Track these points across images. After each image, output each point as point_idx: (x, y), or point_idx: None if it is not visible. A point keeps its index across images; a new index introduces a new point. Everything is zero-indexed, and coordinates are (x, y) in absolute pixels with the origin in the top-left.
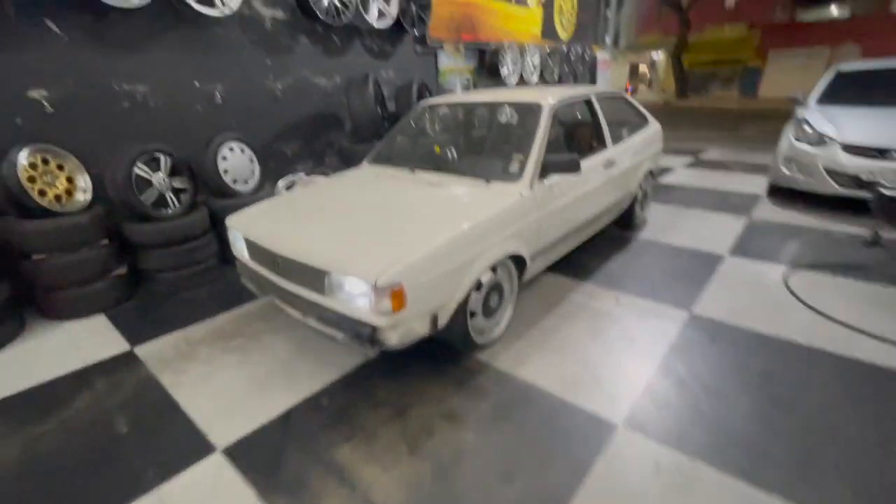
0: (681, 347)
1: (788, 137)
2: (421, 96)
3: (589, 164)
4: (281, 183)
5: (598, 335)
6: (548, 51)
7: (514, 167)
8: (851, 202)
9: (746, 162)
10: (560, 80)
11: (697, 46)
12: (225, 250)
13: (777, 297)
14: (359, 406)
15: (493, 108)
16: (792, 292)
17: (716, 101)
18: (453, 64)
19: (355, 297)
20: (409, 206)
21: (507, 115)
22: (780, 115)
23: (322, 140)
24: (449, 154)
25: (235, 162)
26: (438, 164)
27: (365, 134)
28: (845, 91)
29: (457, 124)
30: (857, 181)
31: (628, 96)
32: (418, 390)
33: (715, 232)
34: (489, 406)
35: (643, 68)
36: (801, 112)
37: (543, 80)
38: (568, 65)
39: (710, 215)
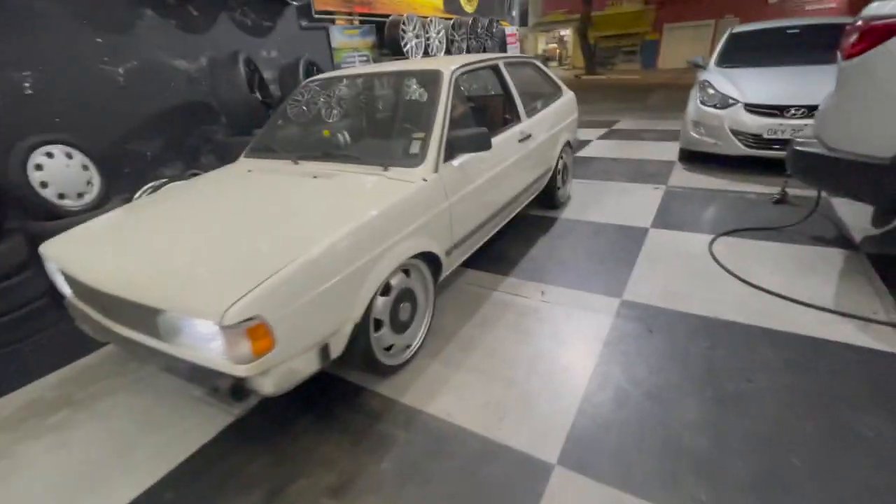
0: (616, 345)
1: (695, 101)
2: (310, 77)
3: (502, 138)
4: (140, 195)
5: (524, 341)
6: (451, 24)
7: (414, 148)
8: (758, 161)
9: (657, 129)
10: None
11: (601, 22)
12: (54, 288)
13: (706, 270)
14: (221, 493)
15: (388, 81)
16: (719, 263)
17: (621, 74)
18: (348, 40)
19: (202, 340)
20: (281, 208)
21: (403, 88)
22: (680, 84)
23: (194, 135)
24: (341, 138)
25: (58, 171)
26: (327, 152)
27: (242, 124)
28: (741, 52)
29: (348, 103)
30: (760, 140)
31: (539, 63)
32: (303, 454)
33: (636, 204)
34: (394, 464)
35: (552, 45)
36: (703, 75)
37: (450, 54)
38: (476, 38)
39: (630, 186)
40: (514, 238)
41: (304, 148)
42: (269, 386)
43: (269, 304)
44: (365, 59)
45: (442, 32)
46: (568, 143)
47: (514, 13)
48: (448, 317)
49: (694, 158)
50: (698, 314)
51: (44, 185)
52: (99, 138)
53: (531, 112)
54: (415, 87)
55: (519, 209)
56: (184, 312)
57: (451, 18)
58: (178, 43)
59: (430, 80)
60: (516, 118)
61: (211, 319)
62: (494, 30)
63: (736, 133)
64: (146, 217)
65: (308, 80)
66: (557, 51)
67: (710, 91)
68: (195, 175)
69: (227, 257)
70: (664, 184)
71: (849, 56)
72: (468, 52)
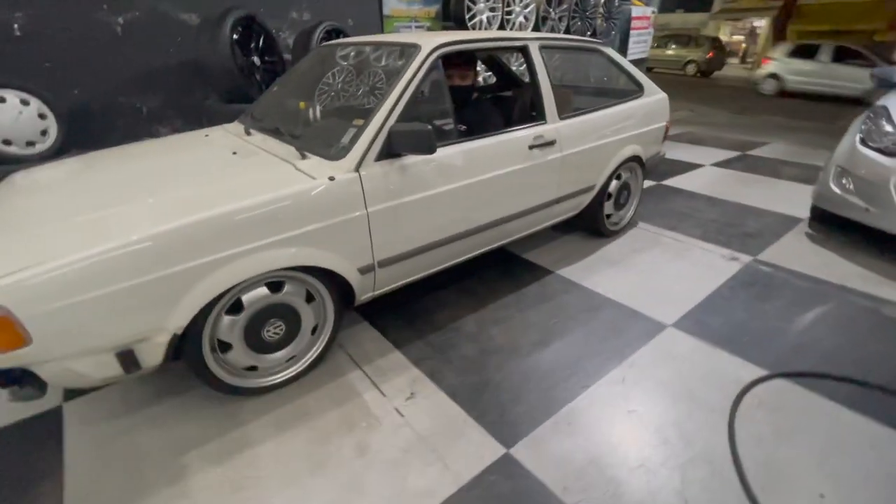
0: None
1: (853, 136)
2: None
3: (495, 141)
4: None
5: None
6: None
7: (346, 137)
8: None
9: (812, 164)
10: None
11: (813, 13)
12: None
13: (705, 445)
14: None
15: (373, 53)
16: (733, 438)
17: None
18: (406, 8)
19: None
20: (152, 184)
21: (373, 64)
22: None
23: (198, 95)
24: (310, 114)
25: (6, 117)
26: (279, 127)
27: (222, 90)
28: None
29: (329, 77)
30: None
31: (612, 52)
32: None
33: (684, 278)
34: None
35: (737, 38)
36: (885, 98)
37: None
38: (583, 19)
39: (698, 246)
40: (464, 289)
41: (269, 119)
42: (50, 379)
43: (18, 297)
44: (423, 29)
45: (532, 7)
46: (637, 159)
47: None
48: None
49: (832, 222)
50: None
51: None
52: (87, 88)
53: (568, 113)
54: (386, 62)
55: (532, 229)
56: None
57: None
58: None
59: (403, 55)
60: (539, 118)
61: None
62: (615, 10)
63: None
64: (69, 169)
65: (318, 46)
66: (742, 45)
67: (884, 125)
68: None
69: (37, 230)
70: (753, 254)
71: None
72: (568, 32)
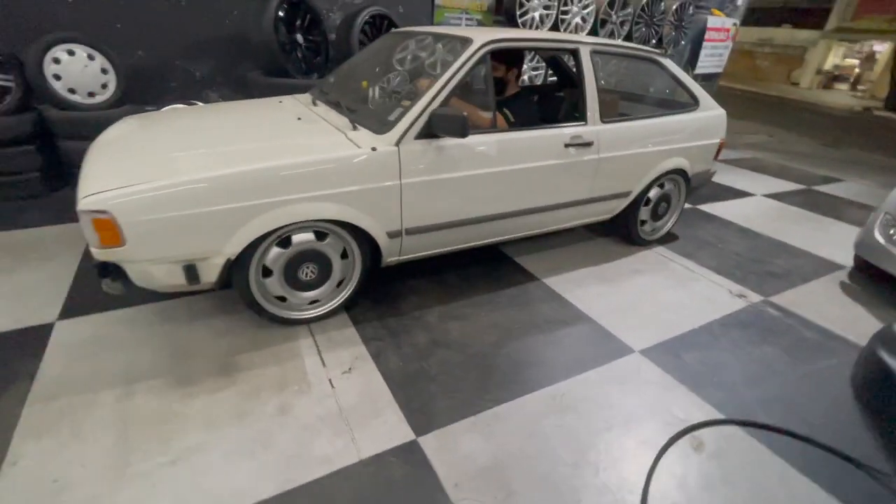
0: None
1: None
2: (381, 32)
3: (531, 135)
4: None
5: None
6: (609, 1)
7: (394, 115)
8: None
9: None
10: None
11: None
12: (51, 167)
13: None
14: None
15: (428, 41)
16: (646, 487)
17: None
18: None
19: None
20: (232, 136)
21: (433, 53)
22: None
23: (244, 66)
24: (370, 92)
25: (74, 69)
26: (342, 100)
27: (262, 64)
28: None
29: (392, 60)
30: None
31: (669, 62)
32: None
33: (679, 308)
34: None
35: (851, 62)
36: None
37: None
38: (648, 24)
39: (708, 279)
40: (441, 281)
41: (334, 93)
42: (133, 277)
43: (121, 206)
44: (473, 23)
45: (591, 8)
46: (681, 172)
47: (740, 1)
48: None
49: (880, 276)
50: None
51: (57, 77)
52: (149, 49)
53: (612, 117)
54: (442, 52)
55: (561, 225)
56: (79, 195)
57: None
58: None
59: (456, 47)
60: (581, 118)
61: (77, 203)
62: (687, 18)
63: None
64: (175, 117)
65: (389, 32)
66: (855, 71)
67: None
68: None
69: (141, 159)
70: (765, 295)
71: None
72: (629, 39)
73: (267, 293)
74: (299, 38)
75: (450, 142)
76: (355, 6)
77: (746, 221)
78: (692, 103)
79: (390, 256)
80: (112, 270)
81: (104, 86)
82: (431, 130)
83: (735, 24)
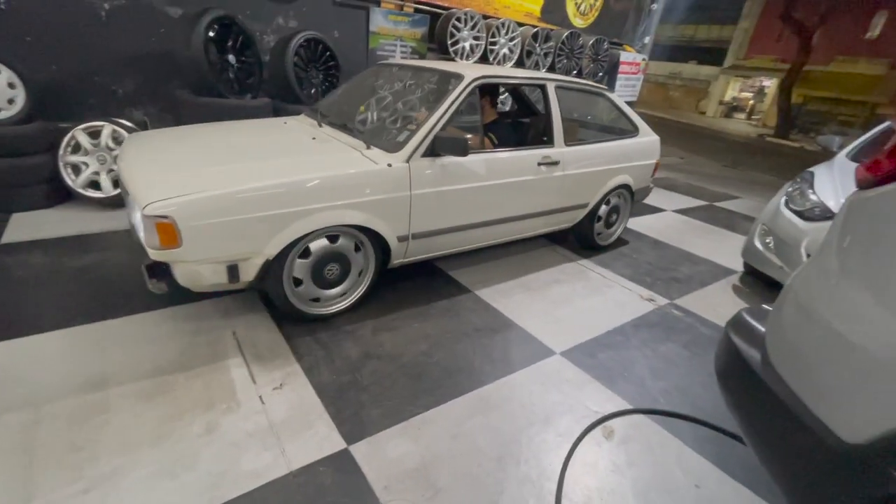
0: None
1: (780, 197)
2: (315, 55)
3: (514, 155)
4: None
5: None
6: (534, 33)
7: (402, 137)
8: None
9: None
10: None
11: (818, 79)
12: None
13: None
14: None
15: (420, 74)
16: (561, 480)
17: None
18: (392, 27)
19: (139, 224)
20: (262, 152)
21: (427, 84)
22: None
23: (172, 85)
24: (368, 116)
25: None
26: (345, 123)
27: (193, 83)
28: None
29: (388, 88)
30: None
31: (614, 96)
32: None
33: (594, 312)
34: None
35: (745, 95)
36: (818, 165)
37: (522, 66)
38: (570, 57)
39: (621, 285)
40: (375, 295)
41: (335, 116)
42: (179, 277)
43: (181, 211)
44: (407, 50)
45: (517, 40)
46: (626, 188)
47: (647, 39)
48: None
49: (762, 278)
50: None
51: None
52: (65, 65)
53: (573, 141)
54: (434, 84)
55: (533, 232)
56: (135, 199)
57: (541, 27)
58: None
59: (448, 81)
60: (549, 142)
61: (140, 209)
62: (602, 52)
63: None
64: (188, 134)
65: (381, 63)
66: (750, 102)
67: (806, 189)
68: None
69: (189, 171)
70: (671, 298)
71: (871, 182)
72: (552, 69)
73: (303, 298)
74: (231, 58)
75: (450, 160)
76: (290, 30)
77: (658, 234)
78: (633, 130)
79: (397, 258)
80: (158, 272)
81: (11, 101)
82: (435, 150)
83: (644, 59)
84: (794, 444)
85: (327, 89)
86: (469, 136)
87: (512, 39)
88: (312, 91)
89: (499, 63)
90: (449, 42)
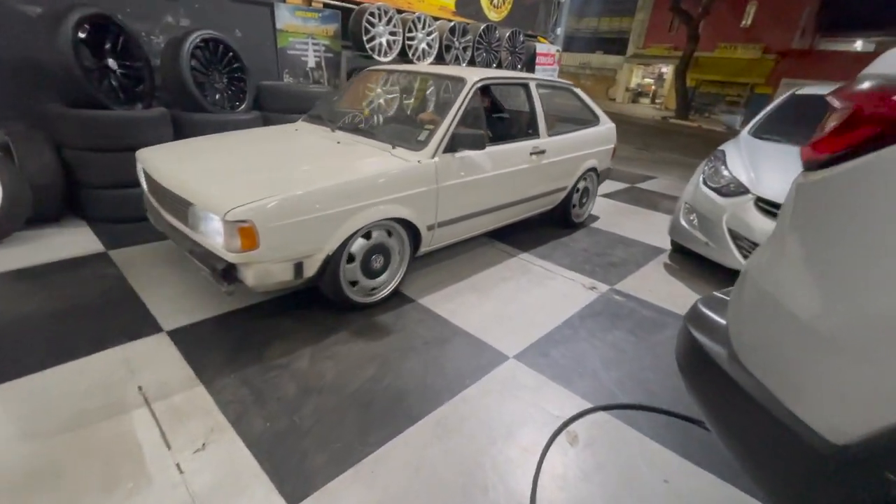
0: None
1: (698, 176)
2: (216, 57)
3: (512, 147)
4: None
5: None
6: (451, 27)
7: (422, 136)
8: None
9: None
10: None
11: (706, 64)
12: None
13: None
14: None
15: (422, 79)
16: (536, 479)
17: (717, 125)
18: (301, 24)
19: (211, 231)
20: (302, 156)
21: (430, 87)
22: None
23: (40, 97)
24: (374, 119)
25: None
26: (359, 127)
27: (65, 93)
28: (793, 125)
29: (388, 92)
30: None
31: (580, 91)
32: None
33: (540, 307)
34: None
35: (648, 81)
36: (727, 144)
37: (443, 63)
38: (489, 51)
39: (561, 275)
40: (309, 317)
41: (343, 121)
42: (250, 278)
43: (260, 215)
44: (321, 49)
45: (435, 35)
46: (594, 170)
47: (559, 31)
48: None
49: (689, 254)
50: None
51: None
52: None
53: (554, 132)
54: (440, 87)
55: (522, 215)
56: (205, 207)
57: (457, 20)
58: None
59: (454, 84)
60: (535, 134)
61: (219, 215)
62: (519, 45)
63: (736, 237)
64: (214, 144)
65: (366, 69)
66: (652, 88)
67: (720, 167)
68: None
69: (249, 178)
70: (611, 284)
71: (819, 164)
72: (472, 63)
73: (346, 280)
74: (111, 63)
75: (465, 153)
76: (182, 29)
77: (590, 220)
78: (594, 119)
79: (425, 247)
80: (229, 276)
81: None
82: (453, 146)
83: (559, 51)
84: (774, 447)
85: (234, 95)
86: (482, 131)
87: (430, 34)
88: (217, 97)
89: (418, 59)
90: (365, 38)
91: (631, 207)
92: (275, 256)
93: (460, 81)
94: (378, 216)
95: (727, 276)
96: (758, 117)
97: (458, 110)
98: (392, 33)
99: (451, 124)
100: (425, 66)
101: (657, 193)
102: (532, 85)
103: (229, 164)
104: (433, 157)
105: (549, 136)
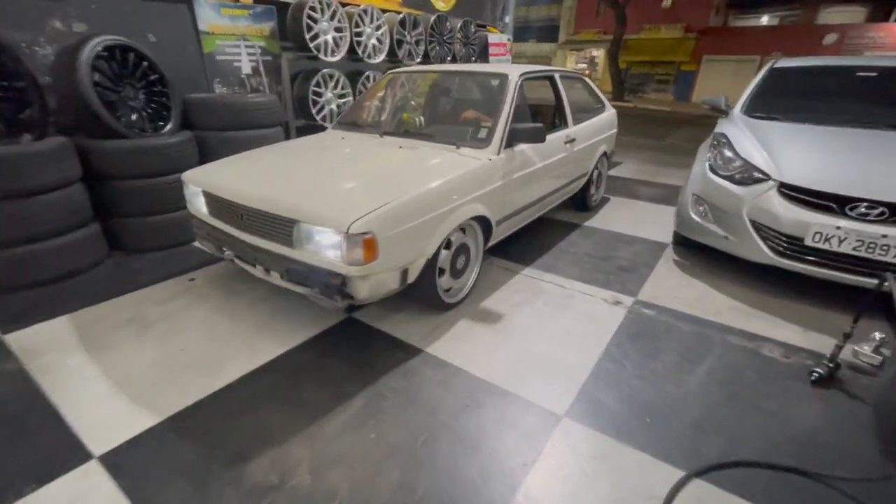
0: None
1: (703, 164)
2: (127, 69)
3: (553, 137)
4: None
5: None
6: (400, 19)
7: (482, 134)
8: (801, 276)
9: (662, 183)
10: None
11: (634, 46)
12: None
13: None
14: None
15: (462, 78)
16: None
17: (650, 104)
18: (229, 23)
19: (325, 247)
20: (378, 163)
21: (474, 85)
22: (713, 121)
23: None
24: (417, 121)
25: None
26: (406, 131)
27: None
28: (784, 99)
29: (424, 94)
30: (801, 247)
31: (588, 80)
32: None
33: (572, 336)
34: None
35: (582, 65)
36: (722, 125)
37: (396, 59)
38: (441, 43)
39: (580, 290)
40: (299, 400)
41: (385, 126)
42: (365, 290)
43: (379, 224)
44: (256, 52)
45: (384, 29)
46: (605, 154)
47: (508, 19)
48: None
49: (693, 246)
50: None
51: None
52: None
53: (577, 120)
54: (481, 85)
55: (557, 202)
56: (317, 223)
57: (405, 12)
58: None
59: (498, 81)
60: (565, 123)
61: (339, 229)
62: (472, 35)
63: (759, 228)
64: (270, 159)
65: (392, 70)
66: (587, 72)
67: (727, 153)
68: None
69: (345, 190)
70: (633, 294)
71: None
72: (427, 58)
73: (441, 287)
74: None
75: (522, 147)
76: (76, 36)
77: (578, 218)
78: (601, 106)
79: (493, 240)
80: (341, 292)
81: None
82: (511, 141)
83: (510, 39)
84: None
85: (155, 113)
86: (541, 124)
87: (378, 28)
88: (134, 118)
89: (368, 56)
90: (307, 37)
91: (613, 198)
92: (389, 265)
93: (504, 77)
94: (467, 215)
95: (743, 268)
96: (745, 96)
97: (510, 106)
98: (337, 29)
99: (507, 120)
100: (457, 66)
101: (631, 180)
102: (557, 77)
103: (307, 177)
104: (498, 153)
105: (576, 124)
